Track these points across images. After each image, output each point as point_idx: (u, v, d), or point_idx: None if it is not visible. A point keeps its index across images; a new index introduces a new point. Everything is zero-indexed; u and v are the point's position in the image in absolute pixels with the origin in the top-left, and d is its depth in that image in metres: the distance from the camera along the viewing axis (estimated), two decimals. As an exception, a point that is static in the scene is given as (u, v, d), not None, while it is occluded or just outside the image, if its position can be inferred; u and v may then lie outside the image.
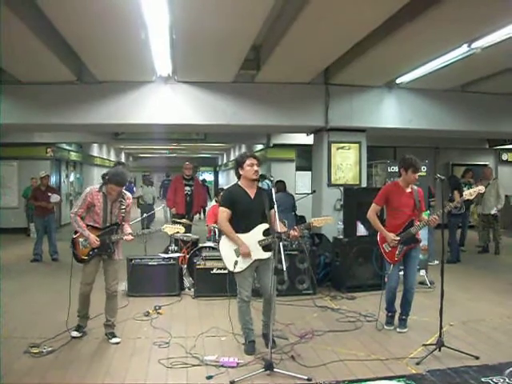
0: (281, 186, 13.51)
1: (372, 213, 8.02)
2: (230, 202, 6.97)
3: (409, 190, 7.86)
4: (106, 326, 7.48)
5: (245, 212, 6.91)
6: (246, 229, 6.92)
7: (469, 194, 7.20)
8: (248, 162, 6.97)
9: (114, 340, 7.30)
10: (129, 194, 7.60)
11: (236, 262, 6.85)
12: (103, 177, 7.41)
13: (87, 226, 7.33)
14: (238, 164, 7.07)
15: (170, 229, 7.75)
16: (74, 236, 7.46)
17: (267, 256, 6.89)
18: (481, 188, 7.25)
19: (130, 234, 7.32)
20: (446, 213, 7.34)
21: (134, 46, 9.27)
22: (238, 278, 6.98)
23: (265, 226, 6.96)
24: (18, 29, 8.02)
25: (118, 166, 7.98)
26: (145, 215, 13.75)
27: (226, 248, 6.97)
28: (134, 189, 36.59)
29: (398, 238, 7.67)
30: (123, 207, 7.37)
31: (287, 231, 6.93)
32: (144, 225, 16.73)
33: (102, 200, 7.28)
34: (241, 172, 7.04)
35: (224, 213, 6.94)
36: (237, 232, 6.91)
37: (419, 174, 10.48)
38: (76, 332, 7.43)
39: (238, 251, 6.85)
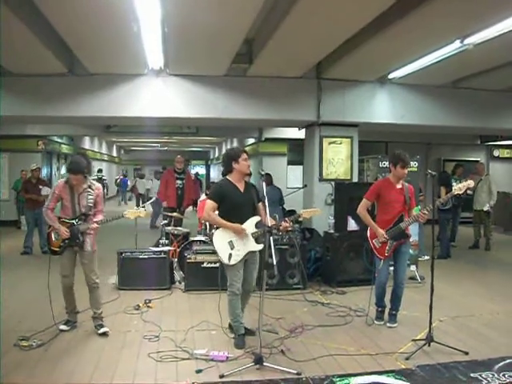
0: (268, 179, 13.46)
1: (362, 208, 8.05)
2: (220, 197, 6.99)
3: (399, 185, 7.89)
4: (94, 318, 7.48)
5: (236, 206, 6.95)
6: (239, 222, 6.95)
7: (458, 188, 7.24)
8: (243, 156, 7.06)
9: (102, 330, 7.31)
10: (98, 185, 7.57)
11: (230, 255, 6.87)
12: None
13: (59, 219, 7.35)
14: (233, 158, 7.09)
15: (132, 213, 7.82)
16: (48, 230, 7.52)
17: (260, 248, 7.00)
18: (470, 182, 7.28)
19: (97, 222, 7.35)
20: (436, 208, 7.36)
21: (126, 38, 9.24)
22: (231, 271, 6.98)
23: (257, 218, 7.04)
24: (7, 19, 7.96)
25: (76, 155, 7.94)
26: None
27: (220, 241, 6.98)
28: (128, 182, 36.96)
29: (386, 237, 7.71)
30: (91, 197, 7.32)
31: (278, 223, 6.99)
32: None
33: (68, 192, 7.28)
34: (235, 166, 7.06)
35: (210, 205, 6.97)
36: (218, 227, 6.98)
37: (410, 169, 10.58)
38: (64, 326, 7.44)
39: (232, 244, 6.89)
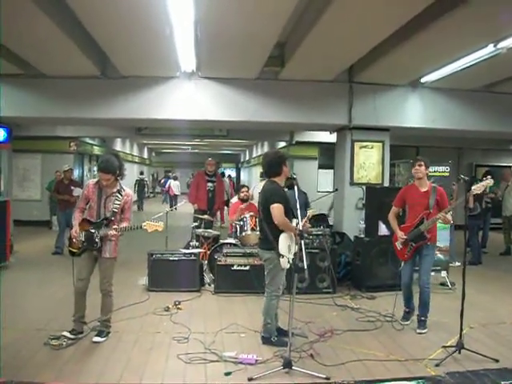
0: (293, 183, 13.35)
1: (391, 215, 8.35)
2: (283, 199, 7.00)
3: (424, 189, 8.03)
4: (99, 322, 7.34)
5: (288, 209, 7.00)
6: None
7: (477, 187, 7.20)
8: (286, 162, 7.27)
9: (95, 339, 7.08)
10: (128, 191, 7.39)
11: (289, 259, 6.84)
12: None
13: (84, 219, 7.26)
14: (283, 161, 7.24)
15: (150, 226, 7.47)
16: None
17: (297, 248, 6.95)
18: (489, 182, 7.29)
19: (114, 228, 7.09)
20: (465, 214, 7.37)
21: (159, 41, 9.31)
22: (281, 273, 7.01)
23: (295, 221, 7.03)
24: (43, 23, 8.09)
25: (108, 154, 7.76)
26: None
27: (284, 246, 6.87)
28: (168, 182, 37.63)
29: (405, 237, 7.92)
30: (117, 202, 7.16)
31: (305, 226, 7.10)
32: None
33: (96, 193, 7.16)
34: (284, 169, 7.21)
35: (281, 209, 6.89)
36: (282, 231, 6.93)
37: (442, 173, 10.57)
38: (68, 333, 7.08)
39: (290, 248, 6.89)
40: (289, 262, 6.81)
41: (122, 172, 7.28)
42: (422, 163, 8.00)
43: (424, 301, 7.86)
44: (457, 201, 8.27)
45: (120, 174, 7.24)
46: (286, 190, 7.02)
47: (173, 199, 33.99)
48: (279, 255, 6.81)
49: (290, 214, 6.98)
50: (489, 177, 7.38)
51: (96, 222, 7.17)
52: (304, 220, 7.37)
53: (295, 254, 6.50)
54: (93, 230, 7.10)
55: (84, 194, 7.28)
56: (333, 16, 7.90)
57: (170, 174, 44.36)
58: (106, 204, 7.18)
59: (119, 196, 7.20)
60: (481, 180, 13.97)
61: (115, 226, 7.12)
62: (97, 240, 7.11)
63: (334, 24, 8.28)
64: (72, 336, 7.06)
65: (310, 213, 8.16)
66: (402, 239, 7.94)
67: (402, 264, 8.28)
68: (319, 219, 11.83)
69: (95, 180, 7.33)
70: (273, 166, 7.26)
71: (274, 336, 7.14)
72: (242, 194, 12.00)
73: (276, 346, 6.95)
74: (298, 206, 6.73)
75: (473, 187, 7.30)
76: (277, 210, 6.86)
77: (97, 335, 7.15)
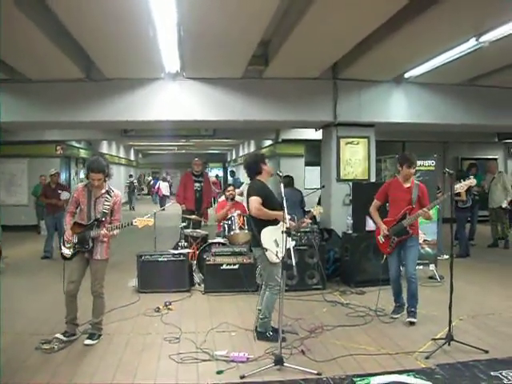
0: (288, 181, 13.40)
1: (372, 207, 8.48)
2: (264, 196, 7.11)
3: (407, 185, 8.12)
4: (91, 325, 7.35)
5: (274, 205, 7.07)
6: (275, 221, 7.11)
7: (459, 186, 7.46)
8: (266, 160, 7.43)
9: (87, 342, 7.06)
10: (117, 192, 7.44)
11: (277, 253, 6.90)
12: (86, 173, 7.24)
13: (75, 222, 7.30)
14: (261, 160, 7.41)
15: (141, 222, 7.49)
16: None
17: (293, 244, 6.95)
18: (471, 181, 7.52)
19: (107, 228, 7.14)
20: (454, 207, 7.46)
21: (143, 43, 9.30)
22: (277, 269, 6.99)
23: (288, 216, 7.02)
24: (26, 27, 8.07)
25: (93, 156, 7.82)
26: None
27: (268, 240, 7.02)
28: (157, 184, 38.76)
29: (387, 233, 8.05)
30: (107, 203, 7.21)
31: (298, 222, 7.08)
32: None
33: (86, 196, 7.21)
34: (264, 167, 7.33)
35: (258, 200, 7.02)
36: (267, 225, 7.05)
37: (428, 168, 10.63)
38: (61, 335, 7.12)
39: (277, 242, 6.95)
40: (277, 256, 6.85)
41: (109, 172, 7.30)
42: (414, 165, 8.14)
43: (412, 292, 7.92)
44: (440, 198, 8.31)
45: (107, 174, 7.24)
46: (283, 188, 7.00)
47: (162, 200, 34.75)
48: (264, 249, 6.92)
49: (274, 209, 7.03)
50: (471, 177, 7.53)
51: (87, 224, 7.20)
52: (305, 218, 7.51)
53: (288, 250, 6.49)
54: (88, 232, 7.15)
55: (74, 198, 7.32)
56: (315, 14, 7.92)
57: (163, 175, 45.43)
58: (95, 206, 7.22)
59: (109, 197, 7.25)
60: (467, 173, 14.17)
61: (107, 225, 7.16)
62: (89, 241, 7.15)
63: (317, 22, 8.30)
64: (65, 338, 7.07)
65: (316, 211, 8.11)
66: (385, 234, 8.06)
67: (385, 257, 8.44)
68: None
69: (84, 183, 7.35)
70: (251, 167, 7.46)
71: (270, 331, 7.20)
72: (227, 193, 12.00)
73: (270, 341, 6.99)
74: (284, 204, 6.73)
75: (456, 186, 7.39)
76: (253, 201, 7.05)
77: (88, 338, 7.14)
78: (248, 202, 7.25)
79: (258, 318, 7.40)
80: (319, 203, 13.71)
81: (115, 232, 7.25)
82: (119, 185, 32.53)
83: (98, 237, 7.17)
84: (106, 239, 7.26)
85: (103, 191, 7.24)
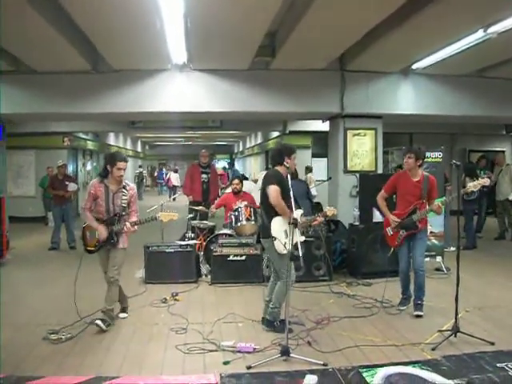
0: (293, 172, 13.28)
1: (379, 198, 8.33)
2: (280, 183, 7.05)
3: (417, 178, 7.98)
4: (102, 312, 7.40)
5: (286, 195, 6.97)
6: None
7: (473, 185, 7.38)
8: (294, 155, 7.32)
9: (98, 322, 7.14)
10: (132, 185, 7.63)
11: (285, 244, 6.89)
12: (105, 167, 7.40)
13: (96, 219, 7.41)
14: (287, 154, 7.26)
15: (165, 216, 7.74)
16: (84, 226, 7.60)
17: (303, 239, 7.08)
18: (485, 181, 7.41)
19: (131, 223, 7.33)
20: (461, 199, 7.43)
21: (150, 34, 9.30)
22: (284, 260, 6.96)
23: (301, 211, 7.21)
24: (33, 19, 8.09)
25: (111, 151, 8.02)
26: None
27: (278, 230, 7.04)
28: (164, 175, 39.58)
29: (398, 220, 7.93)
30: (125, 198, 7.37)
31: (311, 220, 7.07)
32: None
33: (103, 191, 7.32)
34: (287, 161, 7.19)
35: (277, 191, 6.99)
36: (277, 214, 7.05)
37: (435, 159, 10.61)
38: (124, 313, 7.90)
39: (286, 233, 6.91)
40: (285, 247, 6.85)
41: None
42: (412, 155, 7.89)
43: (419, 284, 7.91)
44: (451, 195, 8.26)
45: None
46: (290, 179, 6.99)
47: (172, 190, 36.16)
48: (273, 238, 6.94)
49: (287, 199, 6.95)
50: (485, 176, 7.46)
51: (108, 219, 7.36)
52: (318, 216, 7.57)
53: (296, 245, 6.48)
54: (110, 227, 7.32)
55: (91, 194, 7.36)
56: (322, 5, 7.91)
57: (169, 166, 47.68)
58: (114, 200, 7.36)
59: (125, 191, 7.41)
60: (476, 165, 14.12)
61: (131, 220, 7.37)
62: (112, 236, 7.33)
63: (324, 13, 8.29)
64: (127, 314, 7.88)
65: (329, 212, 8.03)
66: (396, 222, 7.95)
67: (392, 250, 8.42)
68: (316, 208, 11.86)
69: (99, 179, 7.45)
70: (275, 156, 7.44)
71: (278, 321, 7.20)
72: (233, 187, 11.98)
73: (277, 331, 7.01)
74: (291, 195, 6.73)
75: (469, 184, 7.38)
76: (273, 190, 6.99)
77: (101, 321, 7.19)
78: (262, 189, 7.28)
79: (265, 308, 7.42)
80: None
81: (136, 227, 7.47)
82: (126, 176, 32.56)
83: (121, 231, 7.35)
84: (128, 231, 7.42)
85: (120, 186, 7.40)
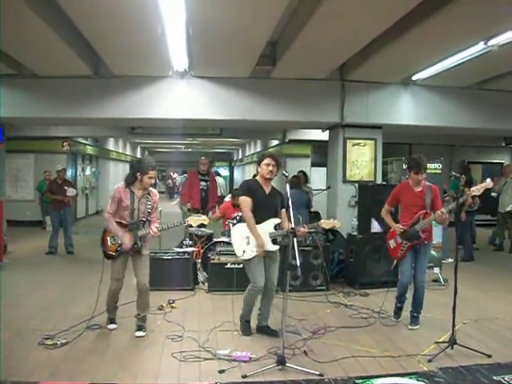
0: (295, 181, 13.24)
1: (384, 212, 8.32)
2: (249, 192, 7.21)
3: (419, 188, 7.93)
4: (137, 319, 7.53)
5: (259, 205, 7.16)
6: (259, 221, 7.17)
7: (476, 189, 7.25)
8: (265, 161, 7.32)
9: (138, 333, 7.35)
10: (155, 192, 7.65)
11: (244, 251, 7.10)
12: (133, 174, 7.35)
13: (116, 222, 7.37)
14: (258, 162, 7.46)
15: (194, 221, 7.96)
16: (104, 231, 7.57)
17: (275, 249, 7.24)
18: (488, 183, 7.29)
19: (156, 227, 7.41)
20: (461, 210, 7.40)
21: (151, 41, 9.31)
22: (249, 265, 7.21)
23: (277, 220, 7.25)
24: (35, 23, 8.10)
25: (137, 159, 8.08)
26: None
27: (238, 234, 7.29)
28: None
29: (403, 228, 7.85)
30: (149, 203, 7.41)
31: (297, 227, 7.06)
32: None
33: (129, 196, 7.31)
34: (258, 169, 7.38)
35: (246, 201, 7.18)
36: (258, 222, 7.17)
37: (434, 171, 10.57)
38: (113, 324, 7.72)
39: (249, 240, 7.12)
40: (244, 252, 7.10)
41: None
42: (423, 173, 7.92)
43: (419, 298, 7.89)
44: (451, 204, 8.21)
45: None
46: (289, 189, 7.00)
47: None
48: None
49: (258, 209, 7.17)
50: (488, 179, 7.41)
51: (132, 224, 7.38)
52: (308, 226, 7.60)
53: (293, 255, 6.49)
54: (135, 232, 7.37)
55: (116, 198, 7.32)
56: (324, 15, 7.92)
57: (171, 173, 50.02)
58: (139, 206, 7.38)
59: (149, 197, 7.47)
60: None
61: (156, 225, 7.48)
62: (137, 241, 7.38)
63: (325, 23, 8.30)
64: (115, 325, 7.74)
65: (325, 224, 7.92)
66: (401, 229, 7.85)
67: (394, 263, 8.41)
68: (313, 217, 11.86)
69: (123, 184, 7.41)
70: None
71: (245, 320, 7.53)
72: (233, 201, 11.95)
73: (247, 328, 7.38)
74: (290, 205, 6.72)
75: (472, 188, 7.36)
76: (241, 202, 7.28)
77: (138, 330, 7.45)
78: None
79: (258, 316, 7.54)
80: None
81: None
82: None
83: (146, 236, 7.45)
84: (152, 236, 7.58)
85: (145, 192, 7.44)
